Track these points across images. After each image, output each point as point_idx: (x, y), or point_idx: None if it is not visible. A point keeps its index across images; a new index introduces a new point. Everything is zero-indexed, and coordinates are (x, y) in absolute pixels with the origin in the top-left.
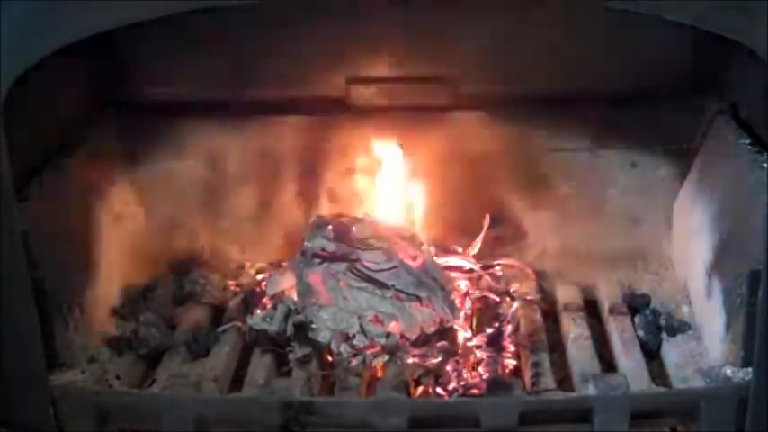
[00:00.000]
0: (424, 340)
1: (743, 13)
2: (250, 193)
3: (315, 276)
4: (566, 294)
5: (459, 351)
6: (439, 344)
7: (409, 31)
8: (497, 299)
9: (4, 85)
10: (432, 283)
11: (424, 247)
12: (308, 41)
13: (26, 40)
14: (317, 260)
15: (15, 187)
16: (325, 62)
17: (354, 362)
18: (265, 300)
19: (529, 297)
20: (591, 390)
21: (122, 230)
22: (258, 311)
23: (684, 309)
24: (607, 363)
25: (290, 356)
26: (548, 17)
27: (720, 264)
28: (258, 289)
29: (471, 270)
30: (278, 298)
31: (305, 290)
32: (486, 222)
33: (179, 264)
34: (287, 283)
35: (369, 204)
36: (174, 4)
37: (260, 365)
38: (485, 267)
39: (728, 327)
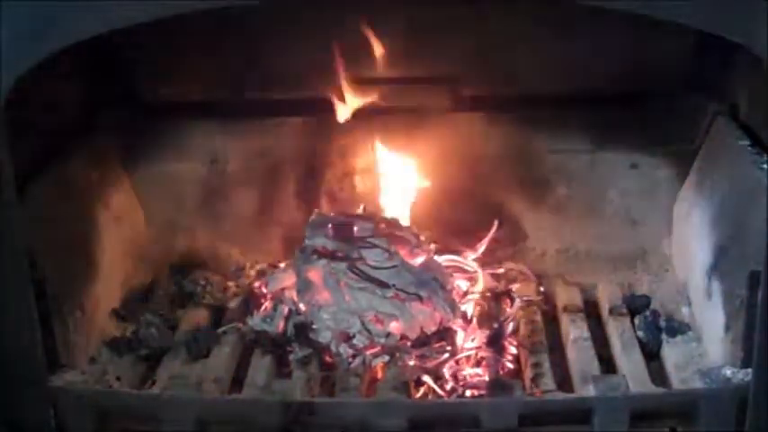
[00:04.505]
0: (424, 341)
1: (743, 14)
2: (250, 194)
3: (314, 273)
4: (566, 295)
5: (459, 352)
6: (439, 344)
7: (409, 33)
8: (497, 299)
9: (5, 86)
10: (432, 282)
11: (424, 246)
12: (308, 42)
13: (27, 42)
14: (316, 257)
15: (15, 187)
16: (326, 63)
17: (355, 362)
18: (266, 301)
19: (529, 298)
20: (591, 391)
21: (122, 231)
22: (258, 312)
23: (684, 310)
24: (607, 364)
25: (291, 357)
26: (548, 18)
27: (720, 265)
28: (258, 290)
29: (472, 270)
30: (278, 299)
31: (305, 286)
32: (495, 227)
33: (179, 265)
34: (288, 280)
35: (368, 205)
36: (174, 5)
37: (260, 366)
38: (485, 268)
39: (728, 328)
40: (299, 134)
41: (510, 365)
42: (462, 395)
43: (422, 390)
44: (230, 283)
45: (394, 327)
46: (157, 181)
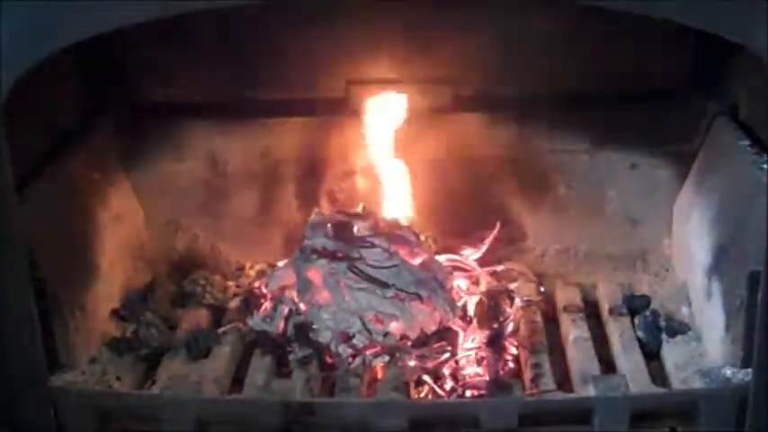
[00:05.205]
0: (424, 341)
1: (743, 14)
2: (250, 194)
3: (314, 272)
4: (566, 295)
5: (459, 352)
6: (439, 344)
7: (409, 33)
8: (497, 299)
9: (5, 86)
10: (432, 282)
11: (424, 245)
12: (308, 42)
13: (27, 42)
14: (316, 257)
15: (15, 187)
16: (326, 63)
17: (355, 362)
18: (266, 301)
19: (529, 298)
20: (591, 391)
21: (122, 231)
22: (258, 312)
23: (684, 310)
24: (607, 364)
25: (291, 357)
26: (547, 17)
27: (720, 265)
28: (258, 290)
29: (472, 270)
30: (278, 299)
31: (304, 286)
32: (497, 229)
33: (179, 265)
34: (288, 279)
35: (368, 205)
36: (174, 5)
37: (260, 366)
38: (485, 268)
39: (728, 328)
40: (299, 134)
41: (510, 365)
42: (462, 395)
43: (422, 390)
44: (230, 283)
45: (394, 327)
46: (157, 181)
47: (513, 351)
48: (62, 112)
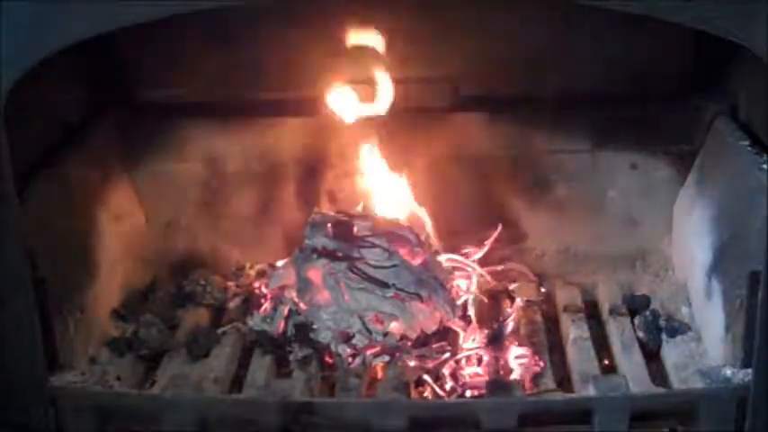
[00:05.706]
0: (423, 341)
1: (742, 14)
2: (250, 194)
3: (314, 272)
4: (566, 295)
5: (459, 352)
6: (439, 344)
7: (409, 33)
8: (497, 299)
9: (5, 86)
10: (432, 281)
11: (425, 245)
12: (308, 42)
13: (27, 42)
14: (316, 256)
15: (15, 188)
16: (326, 63)
17: (355, 362)
18: (266, 301)
19: (529, 298)
20: (591, 390)
21: (122, 231)
22: (258, 312)
23: (684, 310)
24: (607, 364)
25: (291, 357)
26: (548, 18)
27: (720, 265)
28: (258, 290)
29: (472, 270)
30: (278, 299)
31: (304, 286)
32: (498, 229)
33: (179, 265)
34: (288, 278)
35: (368, 205)
36: (174, 5)
37: (260, 366)
38: (485, 268)
39: (728, 328)
40: (299, 134)
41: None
42: (462, 395)
43: (422, 390)
44: (230, 283)
45: (394, 327)
46: (157, 181)
47: (517, 351)
48: (62, 112)
